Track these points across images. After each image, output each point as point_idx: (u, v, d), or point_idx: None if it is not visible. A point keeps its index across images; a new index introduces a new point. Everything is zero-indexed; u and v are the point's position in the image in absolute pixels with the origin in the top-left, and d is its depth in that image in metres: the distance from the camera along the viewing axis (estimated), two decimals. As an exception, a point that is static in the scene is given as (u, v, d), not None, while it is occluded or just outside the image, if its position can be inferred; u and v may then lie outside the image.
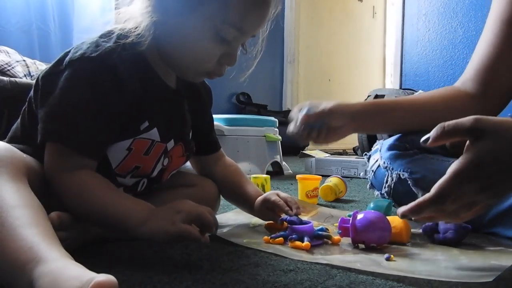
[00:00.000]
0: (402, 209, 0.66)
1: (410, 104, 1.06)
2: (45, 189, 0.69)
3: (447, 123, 0.62)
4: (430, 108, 1.04)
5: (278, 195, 0.89)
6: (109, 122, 0.72)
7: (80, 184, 0.69)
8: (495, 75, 1.00)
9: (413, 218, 0.67)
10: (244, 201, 0.94)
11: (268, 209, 0.89)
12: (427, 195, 0.63)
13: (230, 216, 1.03)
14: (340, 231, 0.82)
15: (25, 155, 0.68)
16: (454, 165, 0.61)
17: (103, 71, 0.71)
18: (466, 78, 1.05)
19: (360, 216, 0.78)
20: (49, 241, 0.53)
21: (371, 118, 1.04)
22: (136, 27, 0.73)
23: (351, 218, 0.79)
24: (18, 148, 0.68)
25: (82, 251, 0.69)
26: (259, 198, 0.90)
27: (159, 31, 0.74)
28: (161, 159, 0.81)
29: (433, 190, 0.62)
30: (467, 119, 0.61)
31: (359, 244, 0.79)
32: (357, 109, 1.02)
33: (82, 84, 0.70)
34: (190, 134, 0.90)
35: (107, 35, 0.74)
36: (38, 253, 0.50)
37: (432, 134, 0.63)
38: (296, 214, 0.85)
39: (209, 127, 0.98)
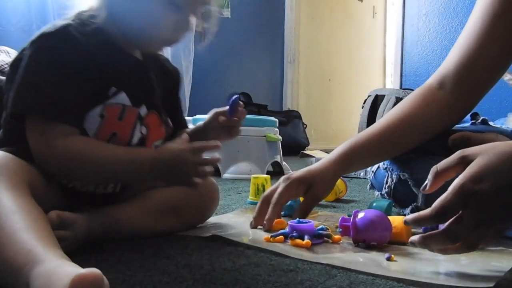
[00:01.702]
0: (407, 217, 0.66)
1: (382, 133, 1.00)
2: (46, 188, 0.70)
3: (438, 165, 0.66)
4: (407, 125, 1.00)
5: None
6: (79, 88, 0.73)
7: (76, 144, 0.72)
8: (474, 69, 0.97)
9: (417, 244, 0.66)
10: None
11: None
12: (428, 210, 0.62)
13: (230, 217, 1.03)
14: (340, 230, 0.82)
15: (21, 160, 0.68)
16: (455, 181, 0.61)
17: (64, 43, 0.73)
18: (444, 72, 1.00)
19: (361, 215, 0.78)
20: (46, 244, 0.53)
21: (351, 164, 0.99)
22: (91, 5, 0.77)
23: (352, 217, 0.79)
24: (9, 151, 0.68)
25: (82, 251, 0.69)
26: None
27: (113, 4, 0.77)
28: (137, 125, 0.81)
29: (435, 204, 0.61)
30: (454, 155, 0.65)
31: (359, 243, 0.79)
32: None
33: (46, 55, 0.72)
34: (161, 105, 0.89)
35: (64, 17, 0.78)
36: (35, 256, 0.50)
37: (428, 179, 0.66)
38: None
39: (178, 105, 0.98)
